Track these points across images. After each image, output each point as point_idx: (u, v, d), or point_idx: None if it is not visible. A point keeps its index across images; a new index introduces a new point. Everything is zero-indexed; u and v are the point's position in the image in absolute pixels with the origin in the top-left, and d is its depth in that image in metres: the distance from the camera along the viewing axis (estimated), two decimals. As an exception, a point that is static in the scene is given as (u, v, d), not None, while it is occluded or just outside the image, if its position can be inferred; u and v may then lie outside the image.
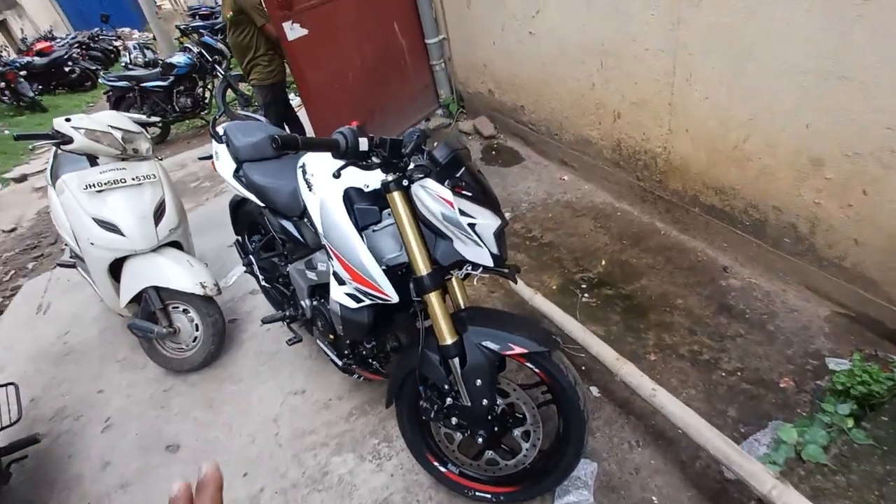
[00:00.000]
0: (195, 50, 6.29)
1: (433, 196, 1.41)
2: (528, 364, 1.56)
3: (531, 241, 3.09)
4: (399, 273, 1.60)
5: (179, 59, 6.30)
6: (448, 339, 1.51)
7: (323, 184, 1.68)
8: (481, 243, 1.44)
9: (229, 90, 6.37)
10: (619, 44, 2.73)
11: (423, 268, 1.47)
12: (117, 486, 2.26)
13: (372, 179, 1.60)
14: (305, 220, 1.91)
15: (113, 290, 2.68)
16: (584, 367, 2.20)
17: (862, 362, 1.83)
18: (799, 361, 2.05)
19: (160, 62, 6.54)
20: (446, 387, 1.59)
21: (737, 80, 2.19)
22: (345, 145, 1.32)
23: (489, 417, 1.61)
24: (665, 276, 2.60)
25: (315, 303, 2.08)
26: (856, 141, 1.89)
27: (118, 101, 6.34)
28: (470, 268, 1.52)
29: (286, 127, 4.31)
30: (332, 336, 2.02)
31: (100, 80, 6.87)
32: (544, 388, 1.63)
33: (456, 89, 4.69)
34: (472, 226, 1.41)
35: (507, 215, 2.03)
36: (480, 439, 1.63)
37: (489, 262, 1.47)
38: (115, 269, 2.63)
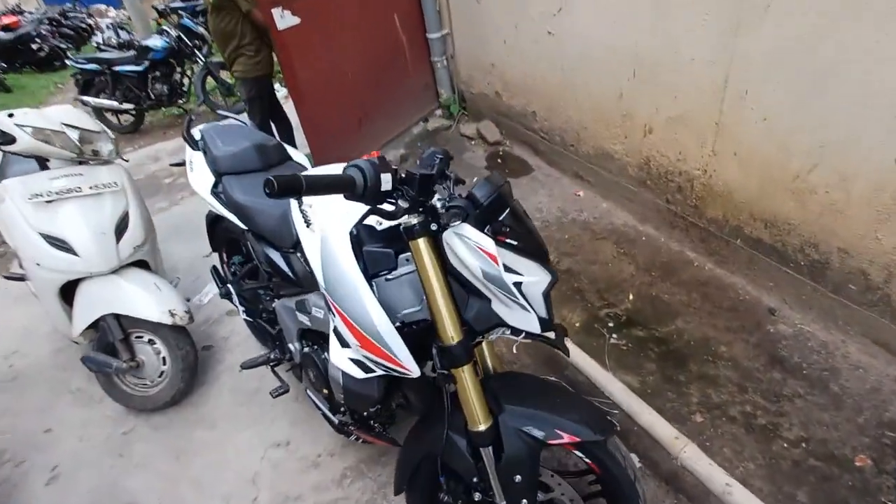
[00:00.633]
0: (173, 33, 5.82)
1: (471, 247, 1.08)
2: (578, 452, 1.26)
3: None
4: (414, 327, 1.28)
5: (156, 42, 5.80)
6: (482, 424, 1.20)
7: (325, 220, 1.33)
8: (528, 307, 1.12)
9: (210, 78, 5.92)
10: (658, 50, 2.40)
11: (453, 335, 1.15)
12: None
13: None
14: (298, 254, 1.56)
15: (65, 315, 2.27)
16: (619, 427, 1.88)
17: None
18: (874, 433, 1.77)
19: (136, 44, 6.03)
20: (475, 479, 1.27)
21: (811, 100, 1.89)
22: (362, 185, 0.98)
23: None
24: (704, 317, 2.30)
25: (306, 349, 1.73)
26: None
27: (87, 84, 5.82)
28: (508, 332, 1.20)
29: (273, 127, 3.88)
30: (325, 391, 1.68)
31: (67, 63, 6.29)
32: (592, 476, 1.32)
33: (458, 89, 4.34)
34: (517, 284, 1.09)
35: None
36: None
37: (536, 329, 1.16)
38: (69, 290, 2.23)
